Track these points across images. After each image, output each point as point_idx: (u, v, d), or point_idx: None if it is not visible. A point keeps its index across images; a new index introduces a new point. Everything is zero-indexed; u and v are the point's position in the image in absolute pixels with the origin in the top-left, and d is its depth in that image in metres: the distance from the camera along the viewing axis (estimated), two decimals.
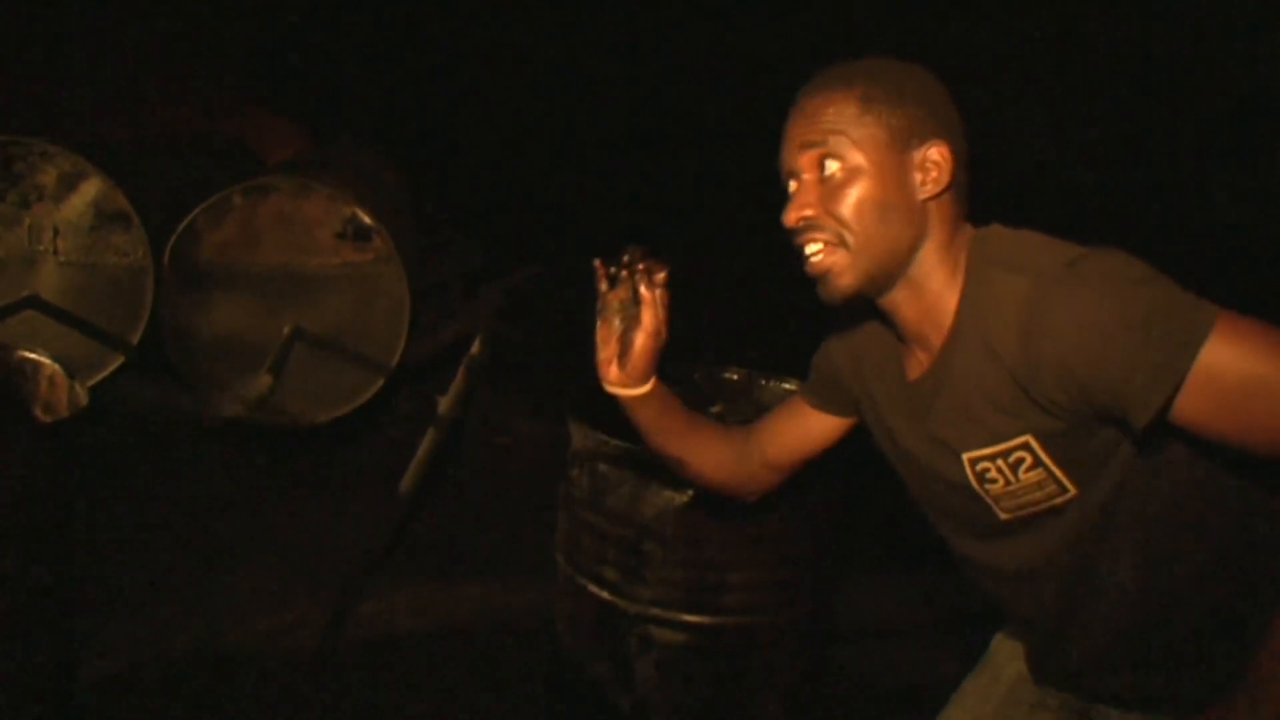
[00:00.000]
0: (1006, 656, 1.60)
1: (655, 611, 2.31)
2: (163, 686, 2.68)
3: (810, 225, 1.28)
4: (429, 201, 4.01)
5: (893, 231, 1.27)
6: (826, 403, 1.60)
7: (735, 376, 2.74)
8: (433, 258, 3.85)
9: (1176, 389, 1.10)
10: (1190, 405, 1.12)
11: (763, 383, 2.71)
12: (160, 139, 3.67)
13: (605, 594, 2.36)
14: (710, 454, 1.65)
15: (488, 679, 2.86)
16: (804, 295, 1.37)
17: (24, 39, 3.73)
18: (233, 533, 3.38)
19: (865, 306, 1.43)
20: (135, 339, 2.86)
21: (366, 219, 2.93)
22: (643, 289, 1.47)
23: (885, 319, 1.40)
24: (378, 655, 2.94)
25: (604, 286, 1.51)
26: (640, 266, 1.47)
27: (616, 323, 1.52)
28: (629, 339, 1.50)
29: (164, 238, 2.84)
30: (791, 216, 1.29)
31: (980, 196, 1.35)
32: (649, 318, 1.48)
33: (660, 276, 1.47)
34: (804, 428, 1.63)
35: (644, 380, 1.54)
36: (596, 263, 1.51)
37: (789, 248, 1.34)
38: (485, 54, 4.18)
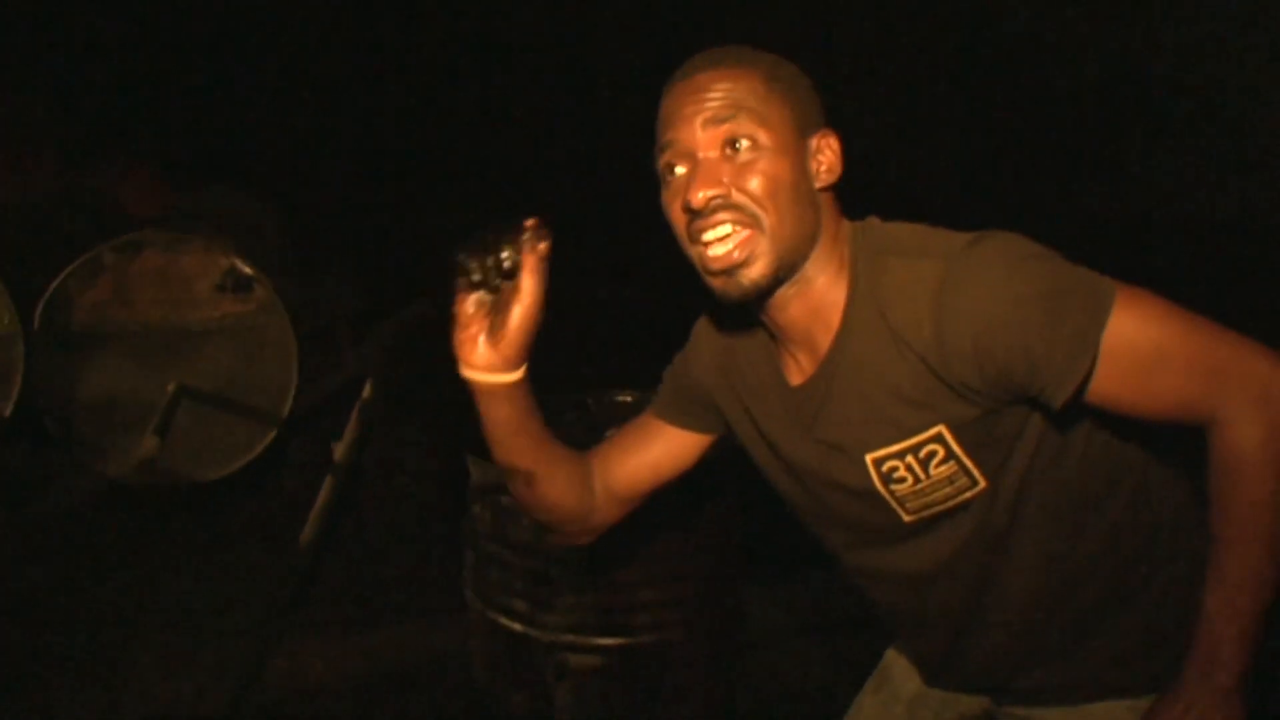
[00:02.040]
0: (902, 674, 1.55)
1: (568, 638, 2.33)
2: None
3: (720, 204, 1.17)
4: (306, 245, 3.96)
5: (804, 215, 1.20)
6: (686, 418, 1.48)
7: (629, 399, 2.75)
8: (314, 303, 3.81)
9: (1094, 362, 1.12)
10: (1101, 377, 1.13)
11: None
12: (17, 197, 3.54)
13: (517, 625, 2.37)
14: (562, 473, 1.42)
15: None
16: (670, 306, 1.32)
17: None
18: (128, 601, 3.27)
19: (735, 311, 1.36)
20: (7, 410, 2.76)
21: (246, 269, 2.89)
22: (526, 254, 1.21)
23: (761, 323, 1.32)
24: (291, 713, 2.88)
25: (463, 255, 1.24)
26: (526, 231, 1.23)
27: (482, 295, 1.26)
28: (501, 316, 1.24)
29: (32, 301, 2.75)
30: (698, 196, 1.16)
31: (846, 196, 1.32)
32: (532, 285, 1.22)
33: (543, 246, 1.22)
34: (660, 450, 1.48)
35: (516, 365, 1.28)
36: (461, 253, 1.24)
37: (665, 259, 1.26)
38: (349, 89, 4.15)
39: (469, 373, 1.29)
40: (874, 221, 1.28)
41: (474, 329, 1.26)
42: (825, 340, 1.25)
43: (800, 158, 1.21)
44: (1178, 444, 1.30)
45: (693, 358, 1.48)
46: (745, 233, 1.18)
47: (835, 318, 1.24)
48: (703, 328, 1.48)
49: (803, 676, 3.01)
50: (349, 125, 4.19)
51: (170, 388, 2.84)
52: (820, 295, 1.24)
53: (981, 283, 1.13)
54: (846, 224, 1.27)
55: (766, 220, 1.17)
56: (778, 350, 1.34)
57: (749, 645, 2.86)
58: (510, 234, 1.23)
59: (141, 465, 2.72)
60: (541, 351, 1.30)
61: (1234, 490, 1.14)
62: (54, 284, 2.75)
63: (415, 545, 3.58)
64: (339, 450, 3.13)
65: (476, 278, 1.24)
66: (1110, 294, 1.12)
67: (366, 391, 3.22)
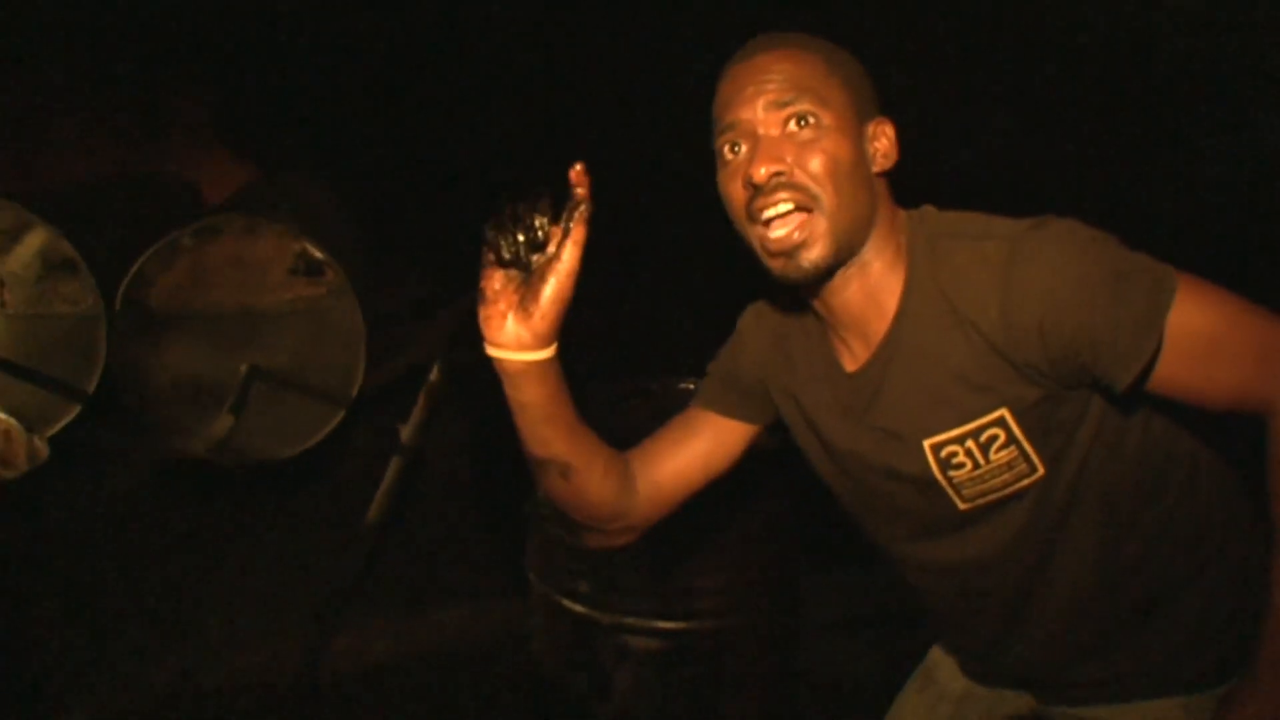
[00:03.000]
0: (948, 673, 1.53)
1: (630, 621, 2.35)
2: None
3: (781, 181, 1.18)
4: (374, 230, 4.01)
5: (862, 197, 1.21)
6: (733, 407, 1.46)
7: (694, 386, 2.72)
8: (383, 287, 3.85)
9: (1159, 345, 1.12)
10: (1164, 362, 1.13)
11: None
12: (102, 182, 3.63)
13: (580, 607, 2.39)
14: (599, 465, 1.36)
15: (467, 702, 2.87)
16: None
17: None
18: (202, 575, 3.35)
19: (785, 300, 1.37)
20: (91, 388, 2.84)
21: (317, 253, 2.94)
22: (571, 220, 1.17)
23: (813, 310, 1.32)
24: (356, 687, 2.94)
25: (492, 231, 1.19)
26: (578, 195, 1.17)
27: (513, 271, 1.20)
28: (533, 289, 1.18)
29: (114, 283, 2.83)
30: (760, 172, 1.16)
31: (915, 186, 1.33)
32: (571, 254, 1.17)
33: (585, 211, 1.17)
34: (706, 442, 1.45)
35: (547, 342, 1.22)
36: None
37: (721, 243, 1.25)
38: (420, 81, 4.19)
39: (496, 352, 1.23)
40: (929, 210, 1.29)
41: (501, 305, 1.21)
42: (880, 326, 1.26)
43: (859, 141, 1.22)
44: (1229, 435, 1.29)
45: (739, 348, 1.48)
46: (804, 215, 1.18)
47: (891, 302, 1.24)
48: (750, 318, 1.49)
49: (859, 667, 2.99)
50: (417, 112, 4.23)
51: (243, 368, 2.90)
52: (877, 279, 1.24)
53: (1048, 261, 1.13)
54: (902, 211, 1.28)
55: (826, 201, 1.18)
56: (830, 338, 1.34)
57: (806, 634, 2.86)
58: (538, 203, 1.17)
59: (216, 443, 2.79)
60: (605, 339, 1.30)
61: None
62: (134, 267, 2.82)
63: (478, 526, 3.62)
64: (405, 432, 3.18)
65: (507, 255, 1.18)
66: (1173, 279, 1.13)
67: (433, 375, 3.26)
